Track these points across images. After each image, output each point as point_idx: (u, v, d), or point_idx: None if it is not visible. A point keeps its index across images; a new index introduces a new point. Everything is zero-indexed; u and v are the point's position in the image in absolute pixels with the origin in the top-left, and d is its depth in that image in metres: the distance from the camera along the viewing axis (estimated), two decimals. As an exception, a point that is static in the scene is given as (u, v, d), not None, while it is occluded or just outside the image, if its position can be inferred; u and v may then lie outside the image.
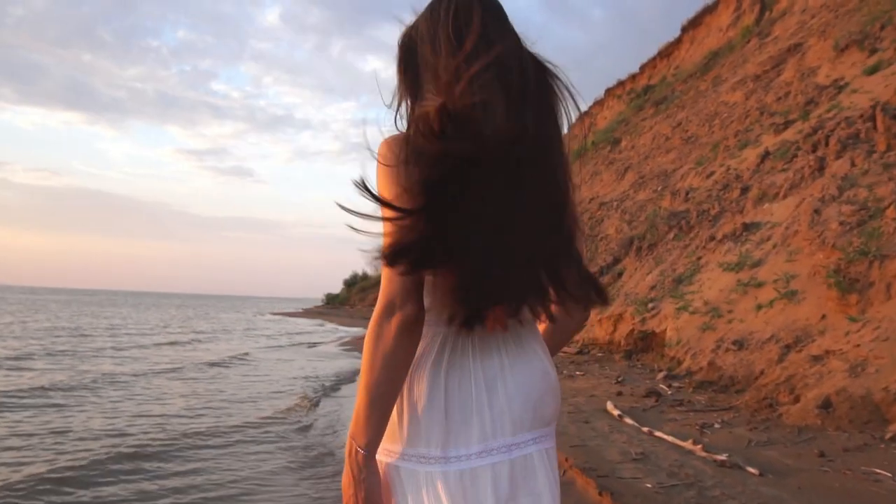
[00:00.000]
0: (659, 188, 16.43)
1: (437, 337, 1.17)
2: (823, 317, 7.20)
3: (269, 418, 8.28)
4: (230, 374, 13.22)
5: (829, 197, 8.73)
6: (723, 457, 4.66)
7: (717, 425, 5.74)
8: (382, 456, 1.17)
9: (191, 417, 8.28)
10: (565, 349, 12.11)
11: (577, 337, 12.22)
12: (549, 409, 1.22)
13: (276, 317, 55.93)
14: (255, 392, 10.57)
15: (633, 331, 10.15)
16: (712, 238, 10.55)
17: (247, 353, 17.58)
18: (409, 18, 1.24)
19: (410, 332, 1.11)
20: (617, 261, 13.36)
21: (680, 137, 20.23)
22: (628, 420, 6.06)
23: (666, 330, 9.40)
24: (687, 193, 13.95)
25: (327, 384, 11.50)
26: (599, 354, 10.99)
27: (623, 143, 27.98)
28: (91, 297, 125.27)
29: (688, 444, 5.02)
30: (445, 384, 1.15)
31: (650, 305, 10.10)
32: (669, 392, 7.42)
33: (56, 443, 6.73)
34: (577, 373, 9.38)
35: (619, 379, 8.47)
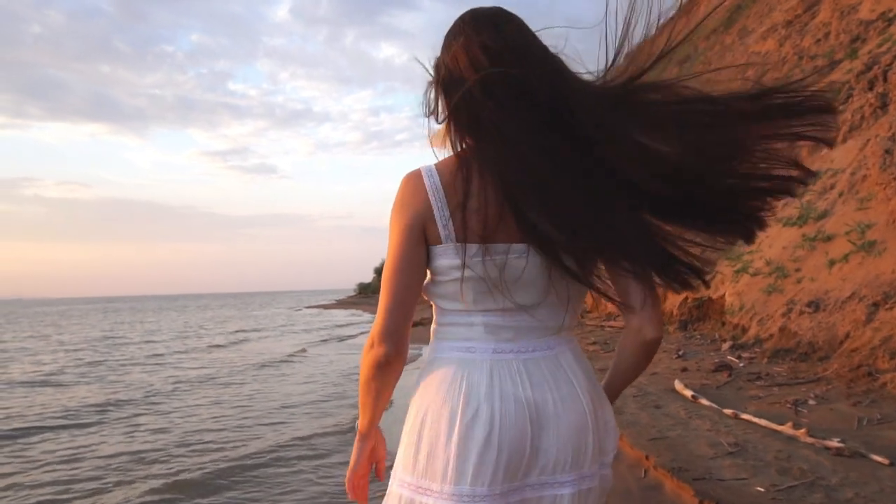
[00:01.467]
0: (695, 147, 15.38)
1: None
2: (913, 267, 6.28)
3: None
4: (285, 375, 12.68)
5: (900, 135, 7.73)
6: (836, 442, 3.84)
7: (811, 401, 4.90)
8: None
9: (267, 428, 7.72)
10: (613, 325, 11.30)
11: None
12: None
13: (313, 310, 55.67)
14: (311, 397, 9.92)
15: (686, 299, 9.28)
16: (766, 192, 9.59)
17: (303, 350, 17.13)
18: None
19: (382, 370, 1.18)
20: (659, 226, 12.44)
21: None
22: (704, 401, 5.24)
23: (724, 295, 8.52)
24: (728, 149, 12.92)
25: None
26: (650, 326, 10.15)
27: (648, 107, 26.74)
28: (125, 303, 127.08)
29: (787, 429, 4.20)
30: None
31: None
32: (741, 364, 6.57)
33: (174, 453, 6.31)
34: (631, 348, 8.56)
35: (680, 353, 7.64)
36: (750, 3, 27.18)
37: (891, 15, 12.22)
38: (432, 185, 1.14)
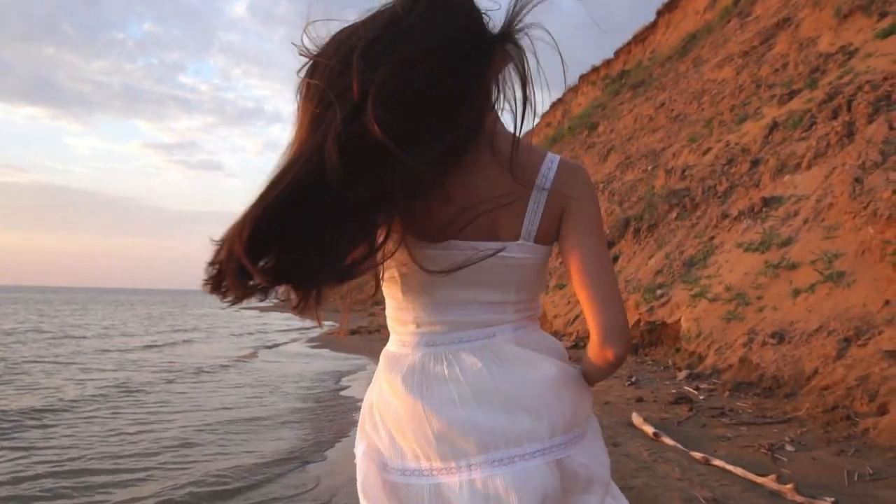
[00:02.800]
0: (649, 167, 15.07)
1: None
2: (887, 303, 5.80)
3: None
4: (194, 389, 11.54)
5: (870, 164, 7.35)
6: (830, 503, 3.21)
7: (788, 447, 4.29)
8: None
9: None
10: (558, 343, 10.69)
11: (570, 329, 10.79)
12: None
13: (251, 312, 53.85)
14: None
15: (639, 321, 8.71)
16: (725, 216, 9.15)
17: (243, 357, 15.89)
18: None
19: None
20: (611, 244, 11.92)
21: (666, 117, 18.91)
22: (668, 440, 4.59)
23: (680, 320, 7.98)
24: (683, 171, 12.58)
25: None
26: (598, 349, 9.56)
27: (601, 128, 26.68)
28: (55, 294, 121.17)
29: (770, 482, 3.55)
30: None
31: (658, 292, 8.67)
32: (701, 397, 5.97)
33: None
34: (579, 372, 7.91)
35: (633, 379, 7.02)
36: (705, 33, 27.47)
37: (850, 49, 12.10)
38: None
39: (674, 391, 6.27)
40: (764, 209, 8.50)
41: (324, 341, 18.80)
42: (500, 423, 1.10)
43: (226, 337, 23.05)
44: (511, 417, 1.10)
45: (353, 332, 18.55)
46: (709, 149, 13.06)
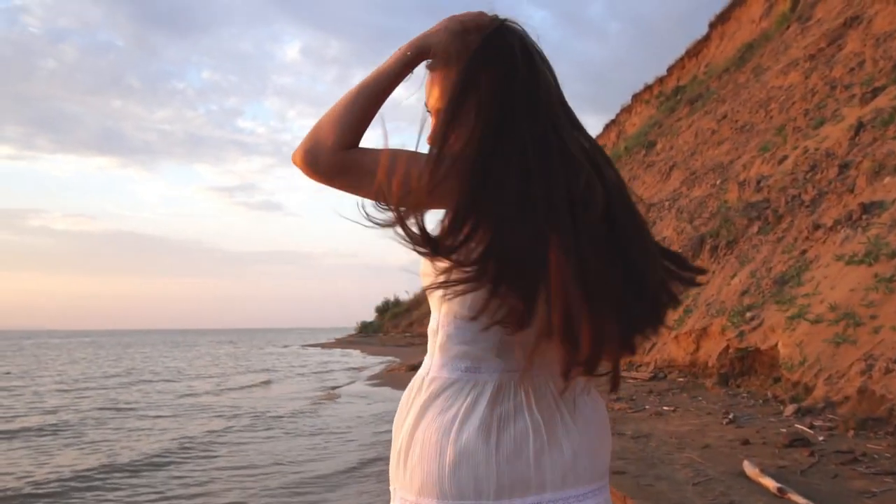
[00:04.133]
0: (718, 181, 14.09)
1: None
2: None
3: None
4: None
5: None
6: None
7: (958, 506, 3.41)
8: None
9: None
10: (636, 375, 9.79)
11: (648, 358, 9.88)
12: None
13: (310, 349, 54.03)
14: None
15: (727, 349, 7.79)
16: (817, 226, 8.18)
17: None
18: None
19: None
20: (684, 265, 11.01)
21: (730, 128, 17.88)
22: (797, 498, 3.73)
23: (777, 345, 7.04)
24: (758, 182, 11.59)
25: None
26: (681, 380, 8.63)
27: (659, 146, 25.68)
28: (130, 337, 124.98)
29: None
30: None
31: (748, 315, 7.74)
32: (820, 438, 5.06)
33: None
34: (665, 407, 7.03)
35: (730, 416, 6.12)
36: (763, 42, 26.27)
37: (939, 38, 11.01)
38: None
39: (784, 430, 5.36)
40: (864, 216, 7.52)
41: (384, 378, 18.23)
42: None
43: (293, 377, 22.65)
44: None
45: (412, 368, 17.88)
46: (784, 157, 12.05)
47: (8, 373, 25.08)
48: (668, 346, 9.48)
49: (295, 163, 1.12)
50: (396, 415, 1.18)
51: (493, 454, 1.03)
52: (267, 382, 19.28)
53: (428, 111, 1.15)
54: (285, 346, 59.23)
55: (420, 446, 1.07)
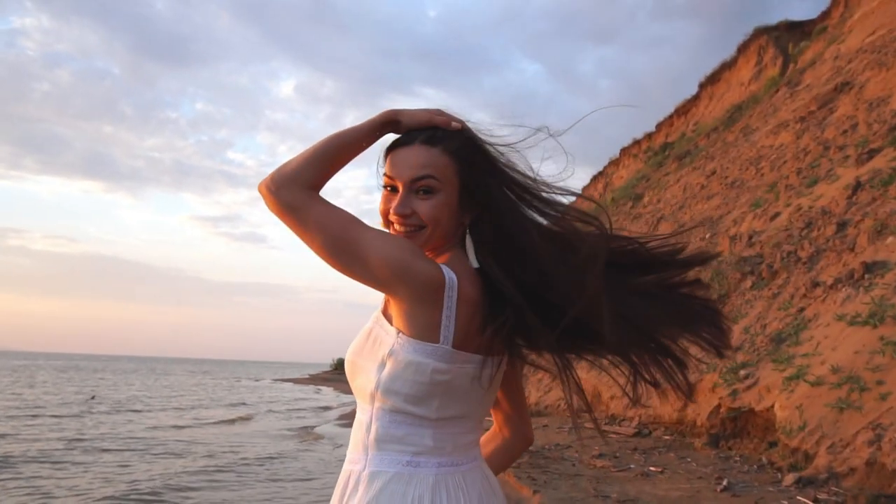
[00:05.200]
0: (707, 235, 13.77)
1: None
2: None
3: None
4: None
5: None
6: None
7: None
8: None
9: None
10: (619, 430, 9.22)
11: (632, 413, 9.33)
12: None
13: (280, 383, 52.73)
14: None
15: (718, 407, 7.28)
16: (816, 284, 7.78)
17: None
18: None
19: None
20: (673, 317, 10.56)
21: (720, 184, 17.72)
22: (815, 587, 3.20)
23: (773, 407, 6.53)
24: (750, 237, 11.26)
25: None
26: (667, 437, 8.07)
27: (646, 199, 25.58)
28: (105, 363, 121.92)
29: None
30: None
31: (742, 373, 7.25)
32: (828, 513, 4.54)
33: None
34: (652, 468, 6.47)
35: (724, 483, 5.57)
36: (751, 104, 26.49)
37: (936, 104, 10.88)
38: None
39: (786, 503, 4.83)
40: (866, 276, 7.13)
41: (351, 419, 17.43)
42: None
43: (262, 414, 21.69)
44: None
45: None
46: (777, 213, 11.77)
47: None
48: (653, 400, 8.93)
49: (259, 189, 1.18)
50: None
51: None
52: (232, 421, 18.36)
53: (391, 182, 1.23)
54: (257, 381, 57.83)
55: None
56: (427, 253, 1.21)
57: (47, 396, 24.39)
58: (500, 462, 1.41)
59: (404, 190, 1.19)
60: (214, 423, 17.10)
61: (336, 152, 1.18)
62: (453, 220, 1.21)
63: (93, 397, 25.86)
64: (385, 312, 1.22)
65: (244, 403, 25.69)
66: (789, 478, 5.43)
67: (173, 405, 23.12)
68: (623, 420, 9.37)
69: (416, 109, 1.22)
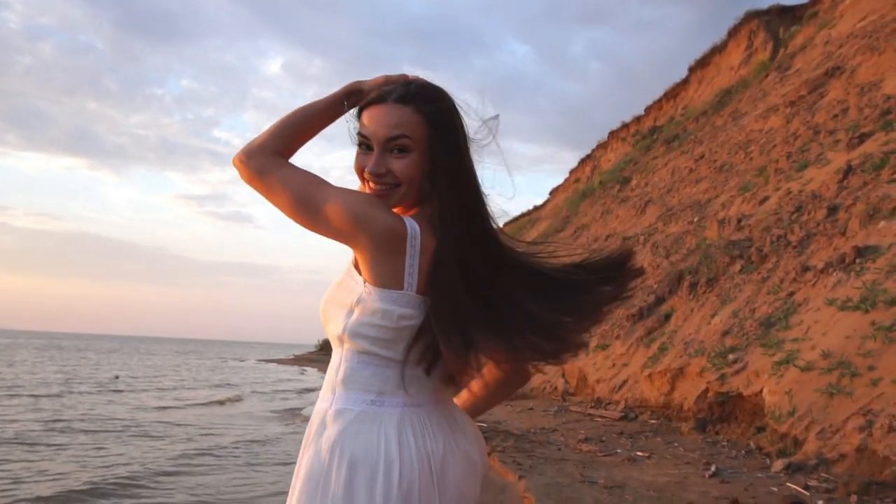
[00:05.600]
0: (695, 219, 13.66)
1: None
2: None
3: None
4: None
5: None
6: None
7: None
8: None
9: None
10: (605, 414, 9.14)
11: (617, 396, 9.24)
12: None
13: (265, 364, 52.53)
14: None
15: (706, 392, 7.18)
16: (806, 268, 7.67)
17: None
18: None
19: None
20: (660, 300, 10.44)
21: (708, 168, 17.61)
22: (810, 579, 3.08)
23: (762, 392, 6.44)
24: (739, 221, 11.16)
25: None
26: (653, 421, 7.98)
27: (634, 182, 25.47)
28: (87, 342, 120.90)
29: None
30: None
31: (730, 357, 7.15)
32: (819, 502, 4.43)
33: None
34: (639, 453, 6.36)
35: (712, 469, 5.47)
36: (741, 88, 26.35)
37: (927, 88, 10.78)
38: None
39: (776, 489, 4.73)
40: (858, 260, 7.02)
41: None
42: None
43: (252, 395, 21.46)
44: None
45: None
46: (766, 197, 11.66)
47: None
48: (640, 384, 8.85)
49: (233, 162, 1.27)
50: (302, 449, 1.24)
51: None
52: (220, 402, 18.10)
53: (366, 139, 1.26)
54: (242, 361, 57.59)
55: (341, 478, 1.15)
56: (399, 209, 1.25)
57: (26, 376, 24.03)
58: (495, 395, 1.48)
59: (378, 149, 1.22)
60: (199, 404, 16.88)
61: (302, 122, 1.27)
62: (425, 178, 1.24)
63: (117, 377, 25.58)
64: (355, 264, 1.27)
65: (228, 384, 25.46)
66: (778, 464, 5.33)
67: (156, 385, 22.87)
68: (609, 403, 9.28)
69: (375, 77, 1.28)
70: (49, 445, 9.24)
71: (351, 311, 1.21)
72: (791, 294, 7.51)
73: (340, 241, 1.19)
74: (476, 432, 1.35)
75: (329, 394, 1.24)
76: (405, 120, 1.21)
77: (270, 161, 1.22)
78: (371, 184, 1.24)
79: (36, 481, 6.96)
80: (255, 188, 1.24)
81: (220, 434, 11.17)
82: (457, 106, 1.29)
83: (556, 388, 11.42)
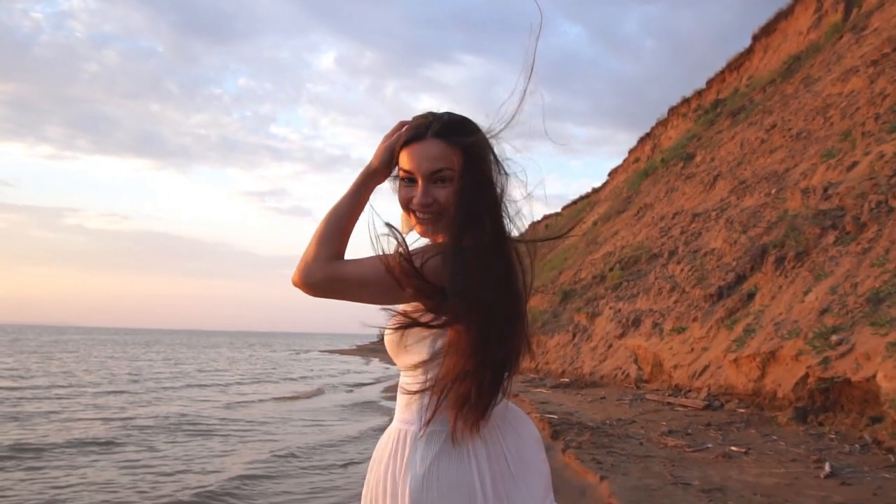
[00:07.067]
0: (773, 190, 12.60)
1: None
2: None
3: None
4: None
5: None
6: None
7: None
8: None
9: None
10: (686, 403, 8.37)
11: (699, 383, 8.46)
12: None
13: (322, 354, 53.05)
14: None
15: (806, 377, 6.36)
16: (917, 235, 6.74)
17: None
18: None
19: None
20: (741, 278, 9.54)
21: (783, 137, 16.37)
22: None
23: (876, 377, 5.59)
24: (825, 190, 10.12)
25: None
26: (742, 410, 7.19)
27: (698, 158, 24.18)
28: (154, 336, 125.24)
29: None
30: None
31: (833, 339, 6.30)
32: (975, 509, 3.66)
33: None
34: (733, 448, 5.62)
35: (826, 468, 4.70)
36: (812, 53, 24.67)
37: None
38: None
39: (914, 493, 3.96)
40: (983, 224, 6.07)
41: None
42: None
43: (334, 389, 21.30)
44: None
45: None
46: (855, 163, 10.57)
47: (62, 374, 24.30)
48: (723, 369, 8.05)
49: (294, 283, 1.34)
50: (385, 466, 1.33)
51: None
52: (308, 396, 17.91)
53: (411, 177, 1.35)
54: (307, 352, 58.36)
55: (443, 497, 1.24)
56: (441, 234, 1.34)
57: (142, 369, 24.66)
58: None
59: (424, 182, 1.31)
60: (283, 398, 16.83)
61: (337, 223, 1.35)
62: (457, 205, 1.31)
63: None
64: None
65: (304, 377, 25.66)
66: (908, 461, 4.53)
67: (236, 380, 23.14)
68: (689, 391, 8.51)
69: (378, 148, 1.39)
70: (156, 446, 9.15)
71: (435, 339, 1.29)
72: (901, 265, 6.59)
73: (425, 298, 1.26)
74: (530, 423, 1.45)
75: (415, 415, 1.32)
76: (446, 153, 1.30)
77: (330, 268, 1.30)
78: (418, 214, 1.33)
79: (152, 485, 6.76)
80: (333, 297, 1.31)
81: (312, 433, 10.84)
82: (485, 136, 1.35)
83: (628, 375, 10.67)
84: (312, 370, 30.92)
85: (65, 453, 8.15)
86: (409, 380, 1.33)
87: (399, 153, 1.34)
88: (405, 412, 1.33)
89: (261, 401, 15.88)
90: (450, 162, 1.29)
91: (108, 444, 8.80)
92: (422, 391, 1.28)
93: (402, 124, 1.37)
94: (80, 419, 11.50)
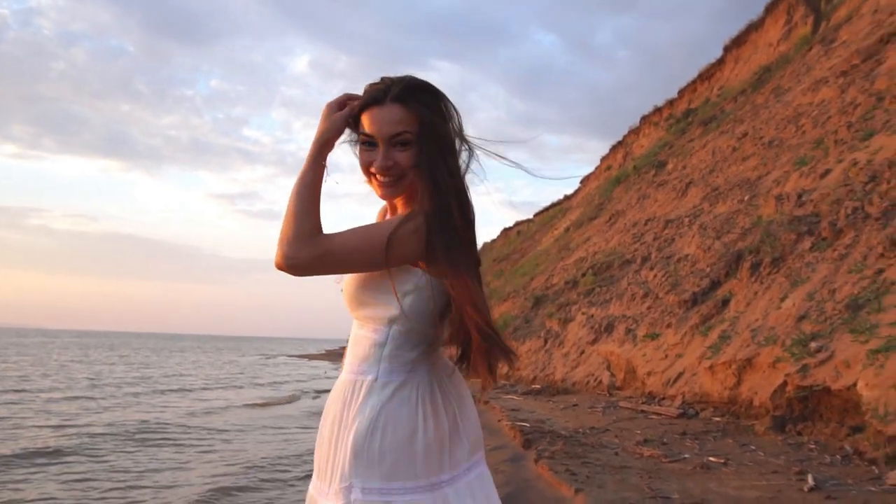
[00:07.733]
0: (746, 197, 12.57)
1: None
2: None
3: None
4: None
5: None
6: None
7: None
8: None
9: None
10: (660, 410, 8.17)
11: (673, 390, 8.27)
12: None
13: (290, 359, 52.28)
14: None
15: (784, 386, 6.19)
16: (894, 242, 6.62)
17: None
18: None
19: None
20: (716, 284, 9.40)
21: (754, 145, 16.43)
22: None
23: (856, 385, 5.43)
24: (799, 196, 10.07)
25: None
26: (718, 419, 7.00)
27: (670, 165, 24.29)
28: (120, 339, 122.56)
29: None
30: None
31: (812, 346, 6.14)
32: (969, 526, 3.46)
33: None
34: (711, 458, 5.40)
35: (811, 481, 4.49)
36: (782, 64, 24.97)
37: None
38: None
39: (903, 508, 3.76)
40: (962, 230, 5.96)
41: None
42: None
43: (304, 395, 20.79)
44: None
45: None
46: (828, 170, 10.54)
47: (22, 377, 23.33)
48: (698, 376, 7.87)
49: (278, 266, 1.30)
50: (335, 418, 1.37)
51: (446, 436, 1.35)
52: (282, 402, 17.40)
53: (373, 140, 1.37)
54: (275, 357, 57.47)
55: (388, 437, 1.28)
56: (401, 199, 1.42)
57: (106, 373, 23.82)
58: None
59: (384, 145, 1.34)
60: (257, 405, 16.30)
61: (307, 194, 1.31)
62: (418, 168, 1.35)
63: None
64: None
65: (275, 382, 25.09)
66: (893, 475, 4.35)
67: (201, 386, 22.47)
68: (663, 399, 8.31)
69: (322, 114, 1.39)
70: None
71: (406, 295, 1.33)
72: (880, 272, 6.46)
73: (411, 262, 1.33)
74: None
75: (371, 366, 1.37)
76: (405, 116, 1.33)
77: (314, 244, 1.27)
78: (379, 177, 1.37)
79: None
80: (320, 273, 1.30)
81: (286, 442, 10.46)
82: (446, 100, 1.39)
83: (600, 382, 10.47)
84: (279, 375, 30.32)
85: (2, 464, 7.62)
86: (371, 332, 1.36)
87: (359, 117, 1.37)
88: (362, 363, 1.37)
89: (225, 408, 15.36)
90: (409, 125, 1.33)
91: (54, 454, 8.28)
92: (395, 342, 1.34)
93: (347, 96, 1.39)
94: (30, 426, 10.92)
